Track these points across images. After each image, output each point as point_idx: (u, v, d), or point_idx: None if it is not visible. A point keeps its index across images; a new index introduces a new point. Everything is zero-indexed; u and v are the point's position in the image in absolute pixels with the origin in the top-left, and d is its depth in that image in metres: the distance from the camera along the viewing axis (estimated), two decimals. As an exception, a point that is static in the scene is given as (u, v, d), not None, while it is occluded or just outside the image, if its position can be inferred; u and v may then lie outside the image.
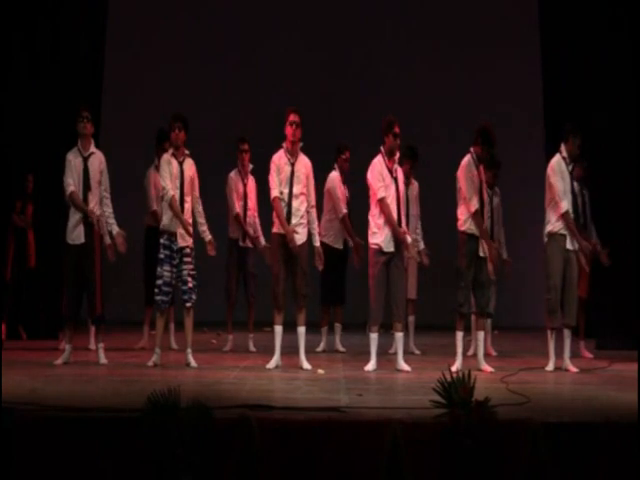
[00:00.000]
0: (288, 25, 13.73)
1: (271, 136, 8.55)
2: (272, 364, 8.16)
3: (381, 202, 8.08)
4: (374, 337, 8.18)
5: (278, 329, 8.21)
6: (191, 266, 8.31)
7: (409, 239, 8.14)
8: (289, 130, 8.16)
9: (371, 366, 8.11)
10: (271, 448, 5.14)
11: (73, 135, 8.32)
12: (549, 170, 8.35)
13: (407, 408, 5.76)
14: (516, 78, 13.44)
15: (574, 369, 8.19)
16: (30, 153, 10.57)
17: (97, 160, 8.31)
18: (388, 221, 8.04)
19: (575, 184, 8.37)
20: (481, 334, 8.29)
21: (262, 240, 9.57)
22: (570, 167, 8.34)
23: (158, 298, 8.31)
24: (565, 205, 8.23)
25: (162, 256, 8.29)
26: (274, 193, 8.20)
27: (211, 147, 11.50)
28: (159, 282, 8.29)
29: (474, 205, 8.04)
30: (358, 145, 9.74)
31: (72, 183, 8.26)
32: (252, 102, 13.25)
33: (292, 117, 8.14)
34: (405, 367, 8.09)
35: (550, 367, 8.21)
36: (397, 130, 8.12)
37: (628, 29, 10.37)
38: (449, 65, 13.71)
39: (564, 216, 8.21)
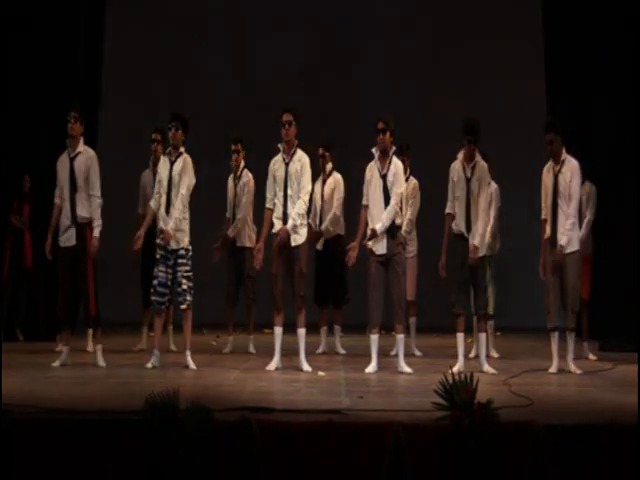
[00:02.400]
0: (289, 26, 13.67)
1: (270, 136, 8.52)
2: (272, 366, 8.12)
3: (362, 208, 8.16)
4: (374, 339, 8.14)
5: (278, 330, 8.17)
6: (186, 267, 8.24)
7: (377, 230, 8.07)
8: (282, 131, 8.17)
9: (372, 368, 8.07)
10: (271, 450, 5.11)
11: (64, 133, 8.26)
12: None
13: (408, 410, 5.73)
14: (518, 77, 13.37)
15: (577, 371, 8.13)
16: (27, 153, 10.51)
17: (83, 159, 8.21)
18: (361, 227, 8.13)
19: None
20: (482, 335, 8.24)
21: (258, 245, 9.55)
22: (558, 167, 8.23)
23: (153, 298, 8.27)
24: (542, 214, 8.30)
25: (158, 256, 8.29)
26: (266, 203, 8.28)
27: (210, 147, 11.45)
28: (154, 282, 8.25)
29: (448, 208, 8.19)
30: (357, 145, 9.69)
31: (57, 194, 8.26)
32: (252, 102, 13.20)
33: (284, 117, 8.17)
34: (406, 369, 8.05)
35: (553, 369, 8.16)
36: (380, 126, 8.08)
37: (634, 27, 10.30)
38: (449, 64, 13.65)
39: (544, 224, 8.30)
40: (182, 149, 8.31)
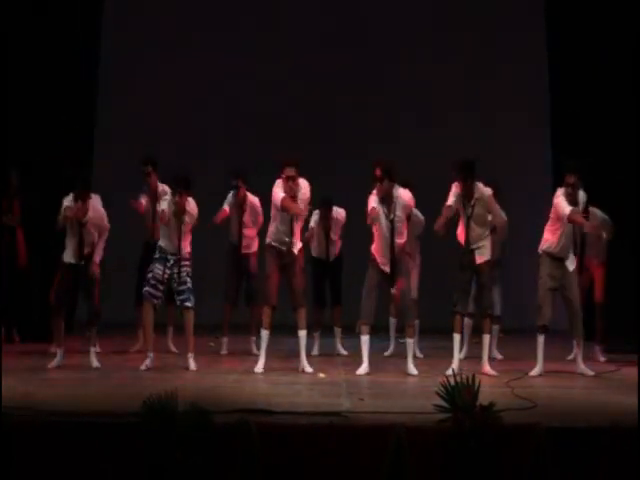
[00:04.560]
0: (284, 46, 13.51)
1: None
2: (260, 367, 8.10)
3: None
4: (365, 339, 8.13)
5: (266, 333, 8.16)
6: (189, 269, 8.34)
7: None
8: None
9: (363, 369, 8.07)
10: (271, 453, 5.08)
11: (61, 130, 8.20)
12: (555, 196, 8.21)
13: (410, 412, 5.69)
14: (521, 96, 13.23)
15: (590, 372, 8.12)
16: (17, 149, 10.42)
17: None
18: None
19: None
20: (486, 337, 8.20)
21: None
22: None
23: (146, 289, 8.27)
24: (568, 209, 8.05)
25: (157, 256, 8.35)
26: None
27: (211, 158, 11.45)
28: (149, 275, 8.30)
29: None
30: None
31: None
32: (251, 118, 13.10)
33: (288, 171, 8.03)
34: (414, 371, 8.08)
35: (536, 372, 8.09)
36: (377, 173, 8.05)
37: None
38: (451, 79, 13.50)
39: (572, 214, 7.99)
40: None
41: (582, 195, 8.25)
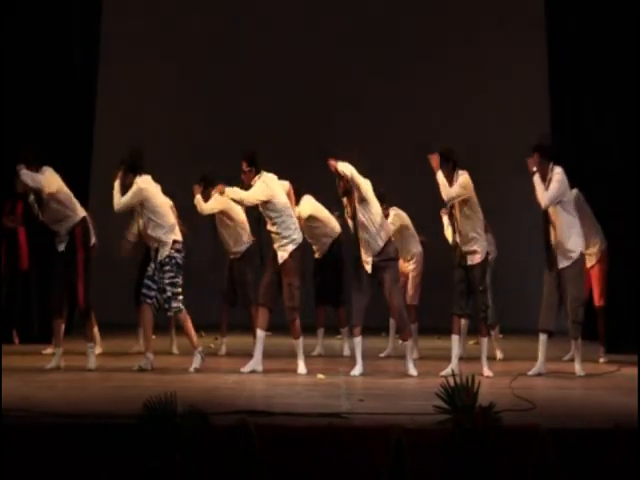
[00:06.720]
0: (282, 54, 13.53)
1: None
2: (248, 368, 8.11)
3: None
4: (357, 341, 8.09)
5: (260, 334, 8.17)
6: (170, 274, 8.17)
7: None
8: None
9: (357, 370, 8.02)
10: (270, 455, 5.06)
11: (62, 131, 8.21)
12: None
13: (410, 414, 5.68)
14: (521, 85, 13.26)
15: (581, 372, 8.09)
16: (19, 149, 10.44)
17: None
18: None
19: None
20: (482, 340, 8.18)
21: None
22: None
23: (141, 290, 8.30)
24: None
25: (152, 255, 8.36)
26: None
27: (208, 157, 11.46)
28: (144, 275, 8.33)
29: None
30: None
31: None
32: (249, 117, 13.11)
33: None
34: (414, 372, 8.08)
35: (534, 371, 8.08)
36: (335, 173, 8.01)
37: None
38: (450, 69, 13.52)
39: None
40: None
41: (557, 170, 8.13)
